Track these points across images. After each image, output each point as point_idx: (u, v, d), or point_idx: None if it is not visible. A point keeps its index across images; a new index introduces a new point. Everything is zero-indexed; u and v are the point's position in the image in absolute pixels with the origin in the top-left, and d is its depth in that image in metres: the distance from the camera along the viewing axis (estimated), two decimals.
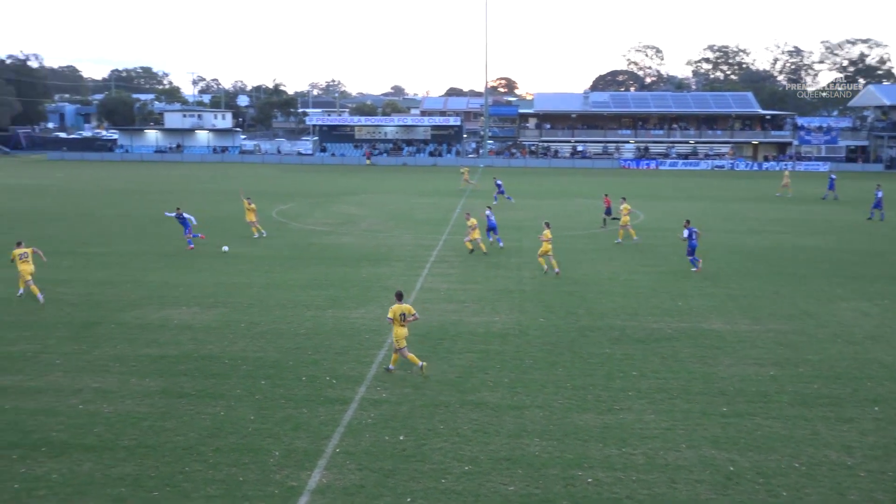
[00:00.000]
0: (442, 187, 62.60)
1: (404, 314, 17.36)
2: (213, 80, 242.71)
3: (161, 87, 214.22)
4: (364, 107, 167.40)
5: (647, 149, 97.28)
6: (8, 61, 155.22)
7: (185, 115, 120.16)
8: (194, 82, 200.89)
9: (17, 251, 24.54)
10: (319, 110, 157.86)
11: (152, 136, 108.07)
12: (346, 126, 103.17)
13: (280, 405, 15.72)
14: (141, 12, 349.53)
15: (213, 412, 15.35)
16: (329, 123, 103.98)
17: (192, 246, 33.26)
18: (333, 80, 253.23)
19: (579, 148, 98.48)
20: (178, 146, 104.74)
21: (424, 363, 17.63)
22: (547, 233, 28.23)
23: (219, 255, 31.67)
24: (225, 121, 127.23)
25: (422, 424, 14.83)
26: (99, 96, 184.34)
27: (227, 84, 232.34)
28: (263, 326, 21.19)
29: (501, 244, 33.64)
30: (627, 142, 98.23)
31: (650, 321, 22.01)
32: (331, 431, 14.49)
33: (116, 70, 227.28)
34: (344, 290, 25.35)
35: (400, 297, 17.68)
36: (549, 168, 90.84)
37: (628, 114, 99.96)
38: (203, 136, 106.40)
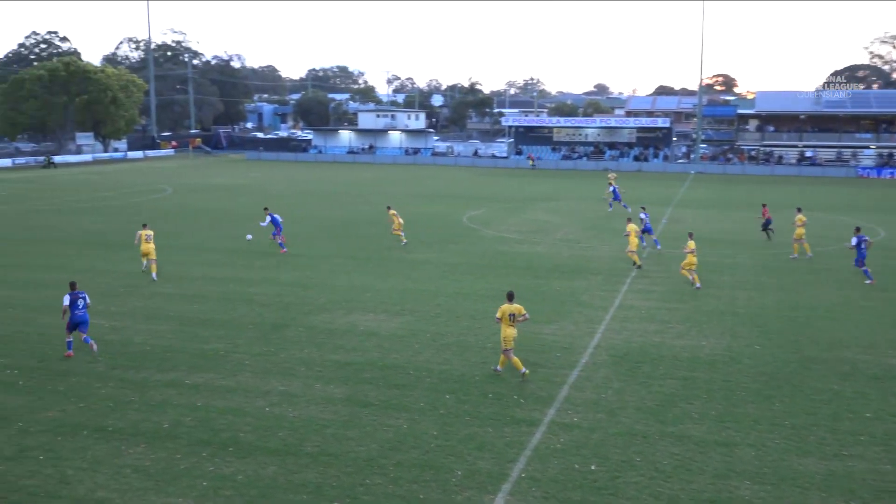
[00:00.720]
0: (648, 195, 61.13)
1: (513, 314, 18.19)
2: (408, 79, 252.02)
3: (356, 86, 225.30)
4: (563, 107, 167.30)
5: (891, 155, 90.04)
6: (213, 62, 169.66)
7: (378, 116, 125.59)
8: (389, 81, 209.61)
9: (143, 232, 29.76)
10: (516, 110, 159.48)
11: (345, 136, 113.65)
12: (544, 127, 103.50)
13: (464, 422, 15.92)
14: (339, 11, 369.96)
15: (396, 424, 15.81)
16: (526, 124, 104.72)
17: (284, 249, 34.61)
18: (532, 79, 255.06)
19: (808, 154, 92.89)
20: (371, 147, 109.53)
21: (527, 371, 18.21)
22: (691, 244, 28.40)
23: (408, 262, 32.77)
24: (418, 121, 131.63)
25: (615, 454, 14.54)
26: (296, 96, 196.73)
27: (421, 83, 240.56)
28: (450, 338, 21.62)
29: (659, 246, 35.40)
30: (867, 147, 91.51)
31: (890, 356, 20.40)
32: (516, 454, 14.48)
33: (313, 69, 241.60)
34: (535, 304, 25.32)
35: (511, 297, 18.50)
36: (771, 176, 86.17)
37: (869, 115, 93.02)
38: (396, 137, 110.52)
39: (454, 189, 65.35)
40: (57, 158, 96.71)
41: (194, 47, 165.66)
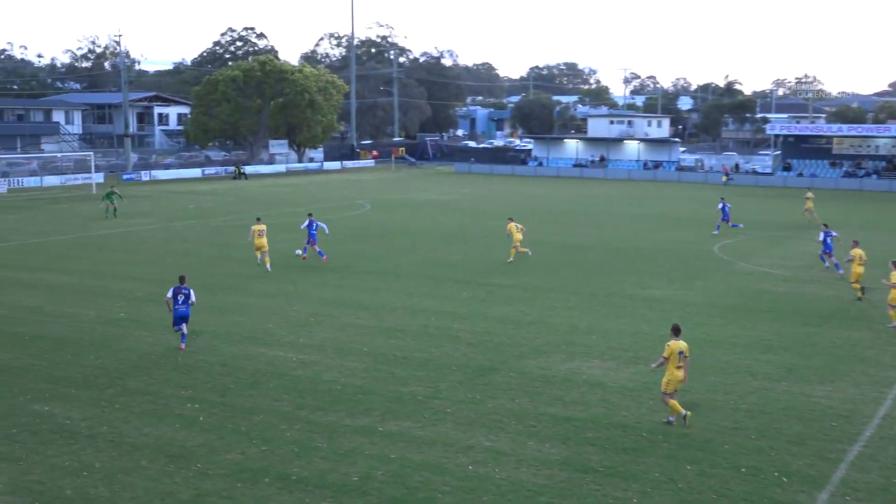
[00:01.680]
0: None
1: (683, 352, 18.50)
2: (649, 77, 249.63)
3: (586, 86, 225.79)
4: (847, 111, 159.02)
5: None
6: (421, 59, 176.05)
7: (612, 122, 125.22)
8: (626, 81, 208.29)
9: (257, 227, 37.63)
10: (784, 116, 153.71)
11: (572, 146, 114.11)
12: (821, 136, 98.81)
13: (709, 501, 15.48)
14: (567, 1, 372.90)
15: (624, 497, 15.55)
16: (797, 133, 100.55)
17: (305, 255, 40.26)
18: (805, 77, 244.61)
19: None
20: (602, 159, 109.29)
21: (689, 412, 18.62)
22: (894, 276, 28.01)
23: (642, 299, 32.35)
24: (661, 129, 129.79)
25: None
26: (514, 98, 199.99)
27: (665, 83, 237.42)
28: (695, 394, 21.03)
29: (840, 270, 36.96)
30: None
31: None
32: None
33: (536, 67, 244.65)
34: (804, 357, 24.30)
35: (678, 331, 18.77)
36: None
37: None
38: (632, 148, 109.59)
39: (703, 212, 63.76)
40: (248, 169, 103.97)
41: (401, 43, 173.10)
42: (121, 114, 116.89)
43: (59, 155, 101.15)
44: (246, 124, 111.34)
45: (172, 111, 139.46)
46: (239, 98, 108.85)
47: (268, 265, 37.36)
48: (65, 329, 27.40)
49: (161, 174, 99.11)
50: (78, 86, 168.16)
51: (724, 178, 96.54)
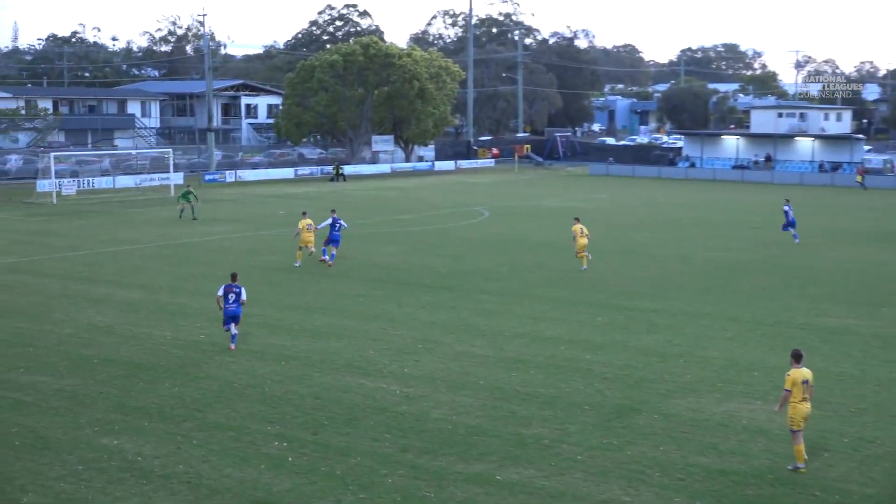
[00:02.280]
0: None
1: (808, 381, 18.85)
2: (827, 61, 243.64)
3: (749, 72, 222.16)
4: None
5: None
6: (551, 41, 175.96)
7: (780, 115, 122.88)
8: (797, 66, 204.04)
9: (304, 222, 43.39)
10: None
11: (731, 143, 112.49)
12: None
13: None
14: None
15: None
16: None
17: (327, 260, 43.85)
18: None
19: None
20: (768, 159, 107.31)
21: (804, 467, 18.83)
22: None
23: (816, 329, 31.59)
24: (840, 123, 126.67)
25: None
26: (662, 87, 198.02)
27: (846, 67, 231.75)
28: (879, 446, 20.50)
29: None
30: None
31: None
32: None
33: (688, 50, 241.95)
34: None
35: (799, 357, 19.02)
36: None
37: None
38: (805, 146, 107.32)
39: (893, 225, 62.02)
40: (347, 169, 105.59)
41: (527, 21, 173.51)
42: (203, 105, 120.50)
43: (133, 152, 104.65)
44: (345, 117, 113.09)
45: (262, 102, 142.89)
46: (338, 87, 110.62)
47: (297, 262, 43.47)
48: (138, 352, 28.23)
49: (248, 174, 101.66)
50: (156, 73, 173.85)
51: (857, 179, 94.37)
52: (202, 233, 55.75)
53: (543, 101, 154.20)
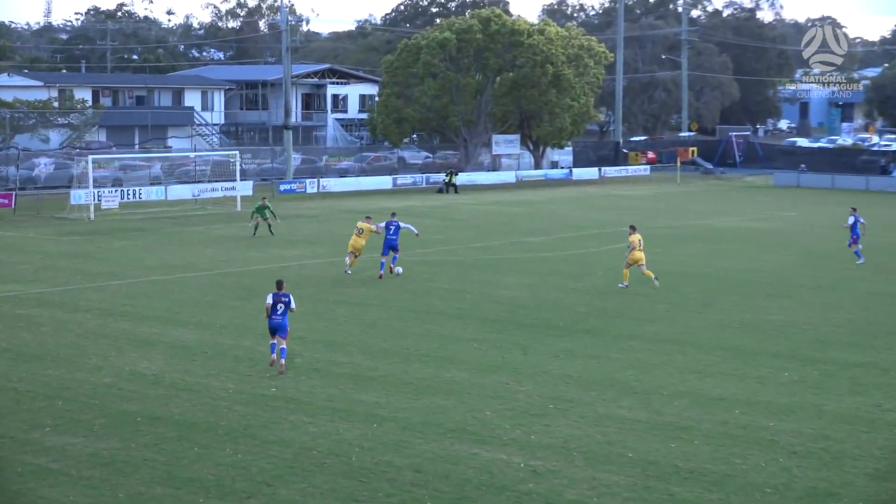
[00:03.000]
0: None
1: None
2: None
3: None
4: None
5: None
6: (725, 12, 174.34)
7: None
8: None
9: (365, 225, 48.88)
10: None
11: None
12: None
13: None
14: None
15: None
16: None
17: (389, 272, 48.90)
18: None
19: None
20: None
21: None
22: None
23: None
24: None
25: None
26: (871, 72, 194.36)
27: None
28: None
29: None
30: None
31: None
32: None
33: None
34: None
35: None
36: None
37: None
38: None
39: None
40: (461, 177, 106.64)
41: None
42: (280, 95, 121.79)
43: (191, 155, 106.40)
44: (459, 111, 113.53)
45: (352, 91, 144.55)
46: (450, 72, 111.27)
47: (348, 269, 49.49)
48: (192, 408, 28.43)
49: (334, 184, 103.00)
50: (221, 55, 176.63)
51: None
52: (275, 258, 56.23)
53: (714, 90, 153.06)
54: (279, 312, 31.20)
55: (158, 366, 33.01)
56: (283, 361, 31.45)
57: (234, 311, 41.90)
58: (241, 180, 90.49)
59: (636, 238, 46.07)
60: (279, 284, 31.95)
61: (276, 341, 31.51)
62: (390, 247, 48.03)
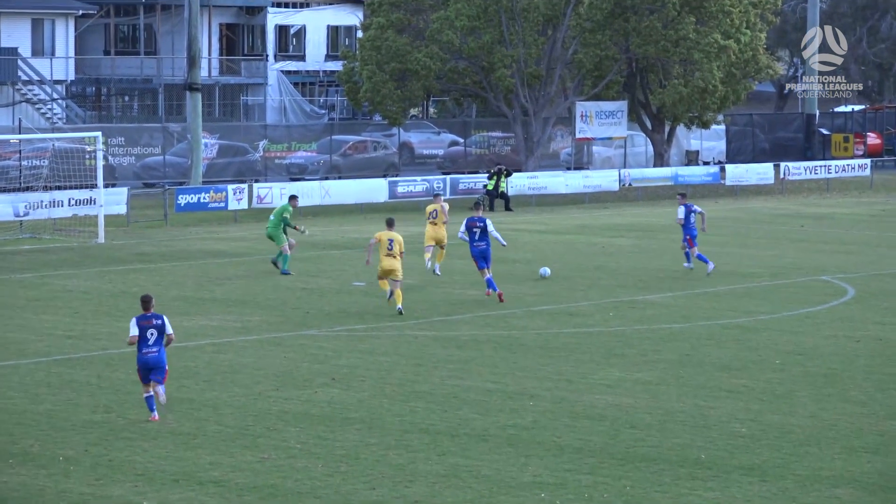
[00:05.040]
0: None
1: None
2: None
3: None
4: None
5: None
6: None
7: None
8: None
9: (384, 235, 53.30)
10: None
11: None
12: None
13: None
14: None
15: None
16: None
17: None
18: None
19: None
20: None
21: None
22: None
23: None
24: None
25: None
26: None
27: None
28: None
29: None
30: None
31: None
32: None
33: None
34: None
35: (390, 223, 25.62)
36: None
37: None
38: None
39: None
40: (516, 181, 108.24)
41: None
42: (179, 28, 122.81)
43: (13, 139, 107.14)
44: (513, 56, 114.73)
45: (312, 21, 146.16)
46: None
47: (398, 304, 55.10)
48: None
49: (279, 193, 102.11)
50: None
51: None
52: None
53: None
54: (151, 343, 35.00)
55: None
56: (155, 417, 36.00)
57: (90, 435, 41.65)
58: (108, 185, 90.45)
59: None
60: (146, 303, 35.76)
61: (151, 391, 35.51)
62: (477, 256, 52.48)
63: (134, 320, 35.15)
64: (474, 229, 49.62)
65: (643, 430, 41.53)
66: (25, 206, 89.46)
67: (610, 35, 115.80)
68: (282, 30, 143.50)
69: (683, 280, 71.27)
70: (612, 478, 36.64)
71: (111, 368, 49.52)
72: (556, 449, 39.21)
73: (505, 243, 57.10)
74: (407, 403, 44.03)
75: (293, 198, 72.98)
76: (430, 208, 55.57)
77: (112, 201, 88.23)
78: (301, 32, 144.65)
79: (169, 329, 35.32)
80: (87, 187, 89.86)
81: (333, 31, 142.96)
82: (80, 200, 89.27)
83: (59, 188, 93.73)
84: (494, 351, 47.42)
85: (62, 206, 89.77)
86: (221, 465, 34.96)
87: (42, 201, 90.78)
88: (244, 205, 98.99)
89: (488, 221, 53.60)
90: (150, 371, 34.83)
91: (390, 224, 55.11)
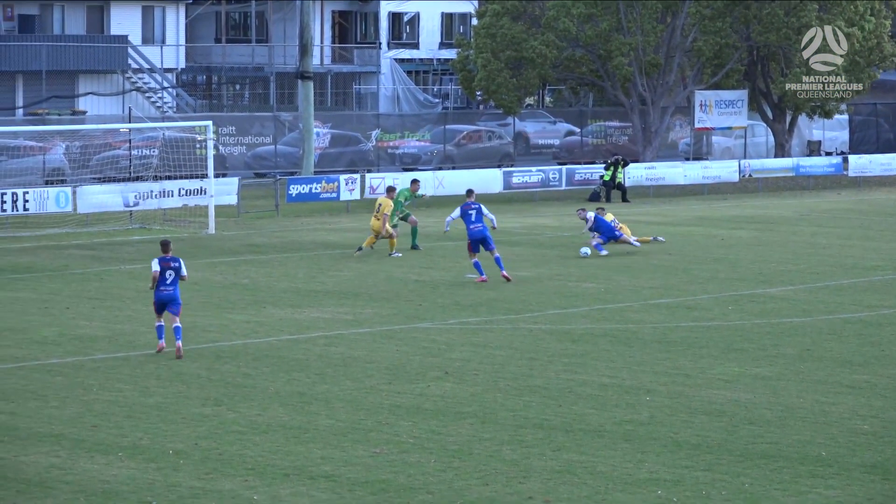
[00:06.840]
0: None
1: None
2: None
3: None
4: None
5: None
6: None
7: None
8: None
9: (384, 200, 61.08)
10: None
11: None
12: None
13: None
14: None
15: None
16: None
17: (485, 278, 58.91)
18: None
19: None
20: None
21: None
22: None
23: None
24: None
25: None
26: None
27: None
28: None
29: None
30: None
31: None
32: None
33: None
34: None
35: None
36: None
37: None
38: None
39: None
40: (633, 172, 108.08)
41: None
42: (291, 17, 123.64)
43: (123, 128, 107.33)
44: (632, 45, 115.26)
45: (427, 9, 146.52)
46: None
47: (363, 246, 64.58)
48: None
49: (393, 183, 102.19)
50: None
51: None
52: (278, 323, 57.03)
53: None
54: (168, 282, 41.89)
55: None
56: (179, 343, 42.28)
57: (200, 428, 41.99)
58: (218, 175, 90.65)
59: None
60: (165, 246, 42.79)
61: (163, 322, 41.85)
62: (475, 239, 52.49)
63: (156, 260, 42.29)
64: (469, 212, 51.12)
65: (762, 427, 41.50)
66: (135, 197, 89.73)
67: (730, 22, 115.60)
68: (395, 17, 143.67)
69: (804, 274, 71.12)
70: (730, 475, 36.65)
71: (221, 361, 49.83)
72: (673, 445, 39.21)
73: (497, 225, 58.53)
74: (521, 398, 44.28)
75: (415, 181, 74.61)
76: (382, 201, 58.80)
77: (222, 191, 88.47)
78: (415, 20, 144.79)
79: (184, 271, 42.57)
80: (197, 177, 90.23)
81: (447, 19, 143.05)
82: (190, 190, 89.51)
83: (169, 178, 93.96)
84: (610, 345, 47.54)
85: (172, 196, 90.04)
86: (333, 460, 35.43)
87: (152, 191, 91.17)
88: (356, 195, 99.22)
89: (482, 205, 54.51)
90: (165, 305, 41.46)
91: (391, 190, 60.97)
